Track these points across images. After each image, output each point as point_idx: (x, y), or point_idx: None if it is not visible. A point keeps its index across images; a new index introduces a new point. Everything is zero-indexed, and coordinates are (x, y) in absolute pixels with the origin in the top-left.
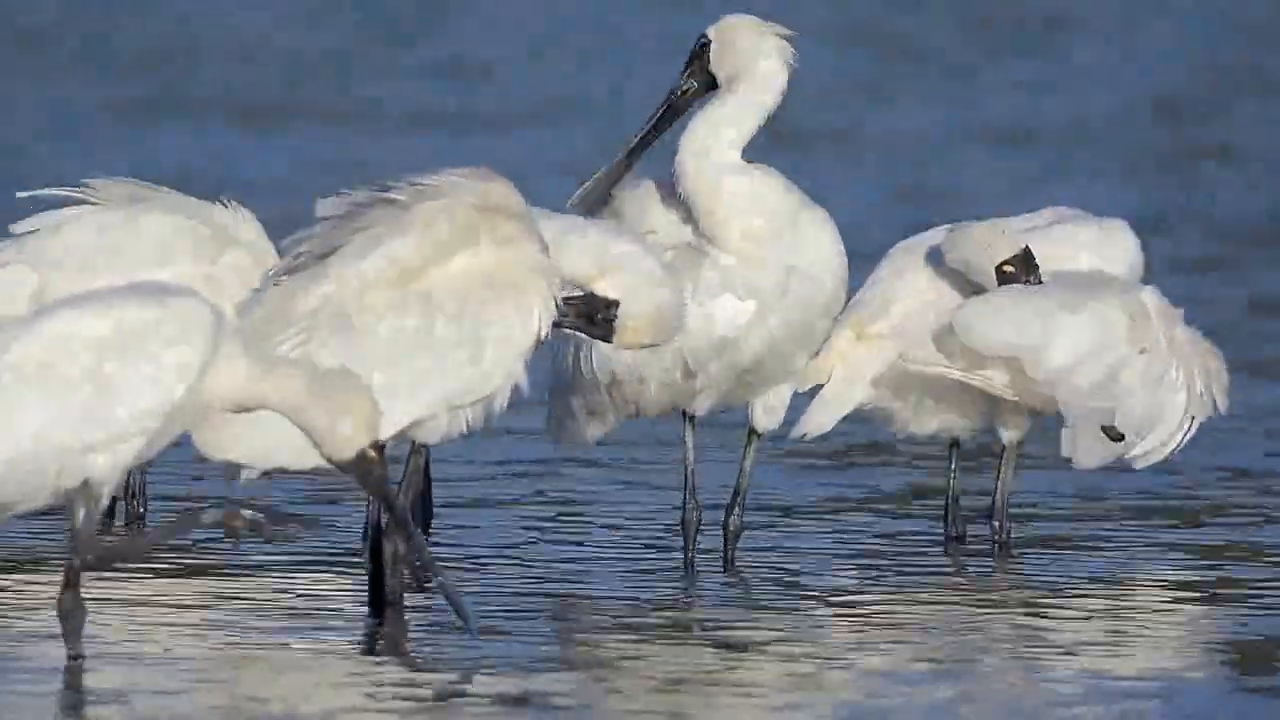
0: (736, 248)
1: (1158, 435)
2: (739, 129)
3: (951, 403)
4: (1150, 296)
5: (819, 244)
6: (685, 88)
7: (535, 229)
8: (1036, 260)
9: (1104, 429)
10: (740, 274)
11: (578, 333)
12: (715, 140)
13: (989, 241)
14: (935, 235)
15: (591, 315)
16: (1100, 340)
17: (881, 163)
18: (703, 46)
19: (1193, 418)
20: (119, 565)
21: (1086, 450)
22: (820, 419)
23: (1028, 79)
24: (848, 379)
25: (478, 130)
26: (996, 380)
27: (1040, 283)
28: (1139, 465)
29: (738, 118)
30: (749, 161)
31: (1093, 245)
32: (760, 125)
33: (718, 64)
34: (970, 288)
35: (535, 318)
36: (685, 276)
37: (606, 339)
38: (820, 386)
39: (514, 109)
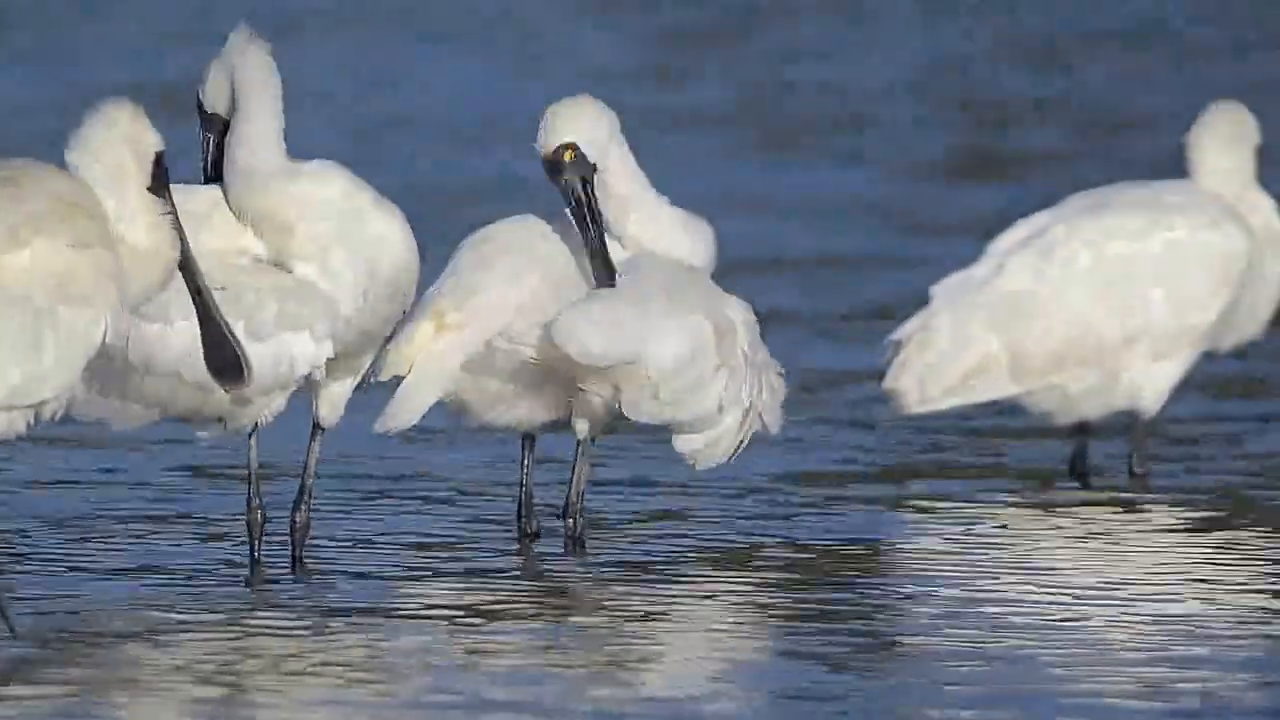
0: (305, 255)
1: (713, 437)
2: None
3: (532, 395)
4: (737, 311)
5: (390, 238)
6: None
7: (111, 232)
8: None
9: None
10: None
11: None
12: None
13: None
14: (507, 225)
15: None
16: (693, 351)
17: None
18: None
19: (748, 431)
20: None
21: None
22: (403, 412)
23: None
24: (430, 370)
25: None
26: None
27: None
28: (696, 463)
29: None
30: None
31: (682, 231)
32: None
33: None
34: (551, 277)
35: (101, 325)
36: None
37: None
38: (400, 379)
39: None
